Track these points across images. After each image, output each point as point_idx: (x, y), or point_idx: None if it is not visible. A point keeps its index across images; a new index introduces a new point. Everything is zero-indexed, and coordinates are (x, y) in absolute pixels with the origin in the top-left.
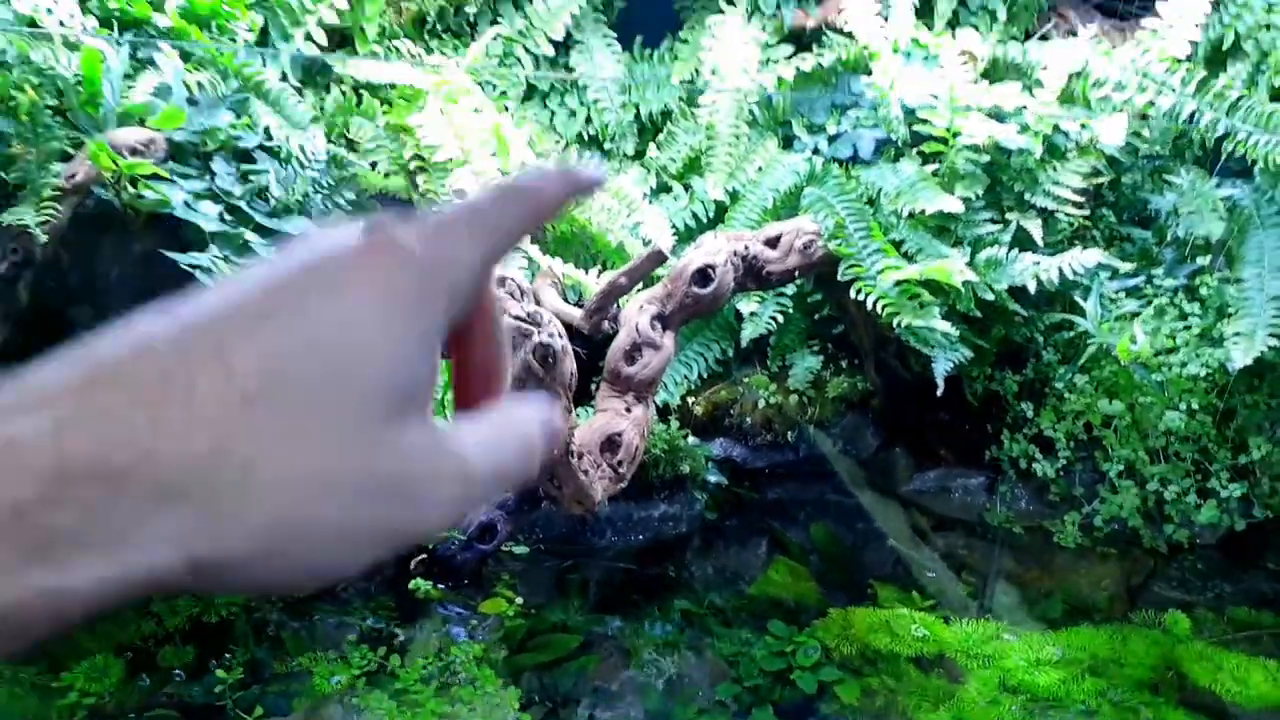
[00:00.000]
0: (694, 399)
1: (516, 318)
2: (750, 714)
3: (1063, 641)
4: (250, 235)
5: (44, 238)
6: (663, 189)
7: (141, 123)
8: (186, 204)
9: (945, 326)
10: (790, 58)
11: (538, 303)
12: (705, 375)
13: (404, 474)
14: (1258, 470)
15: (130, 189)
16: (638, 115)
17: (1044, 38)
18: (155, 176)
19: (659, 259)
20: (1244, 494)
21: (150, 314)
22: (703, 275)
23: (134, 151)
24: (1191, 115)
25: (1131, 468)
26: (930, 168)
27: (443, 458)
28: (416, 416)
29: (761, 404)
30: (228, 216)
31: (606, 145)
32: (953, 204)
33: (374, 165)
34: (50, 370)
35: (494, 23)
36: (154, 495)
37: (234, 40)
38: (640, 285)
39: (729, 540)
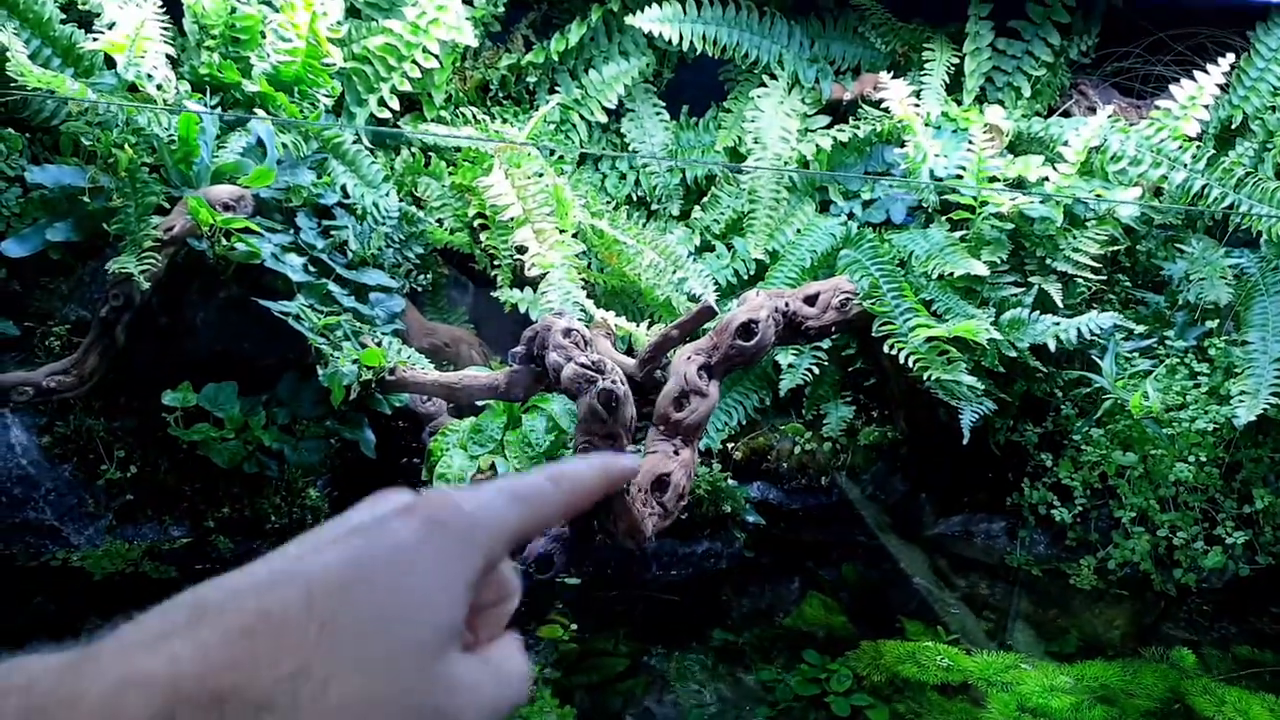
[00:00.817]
0: (734, 444)
1: (582, 365)
2: None
3: (1076, 673)
4: (332, 286)
5: (146, 284)
6: (706, 248)
7: (232, 180)
8: (274, 255)
9: (971, 380)
10: (828, 128)
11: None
12: (745, 422)
13: (445, 704)
14: (1261, 520)
15: (224, 241)
16: (683, 179)
17: (1065, 114)
18: (246, 230)
19: (709, 314)
20: (1248, 541)
21: (254, 560)
22: (746, 329)
23: (226, 207)
24: (1202, 190)
25: (1144, 515)
26: (958, 233)
27: (473, 691)
28: (454, 652)
29: (797, 450)
30: (311, 268)
31: (654, 206)
32: (979, 268)
33: (440, 222)
34: (166, 610)
35: (552, 91)
36: (249, 713)
37: (315, 105)
38: (688, 337)
39: (765, 576)
